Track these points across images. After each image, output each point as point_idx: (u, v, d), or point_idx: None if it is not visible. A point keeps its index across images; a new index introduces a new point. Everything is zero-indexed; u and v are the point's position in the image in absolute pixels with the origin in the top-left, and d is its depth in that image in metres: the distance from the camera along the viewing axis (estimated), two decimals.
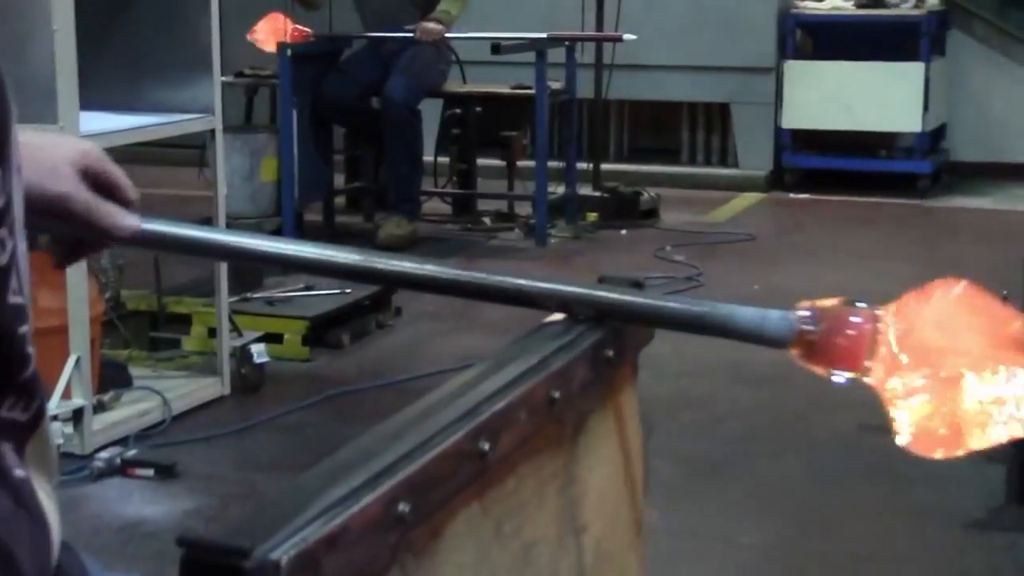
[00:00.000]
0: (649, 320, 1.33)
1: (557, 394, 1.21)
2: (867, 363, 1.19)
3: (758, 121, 8.64)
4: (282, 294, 5.30)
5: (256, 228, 6.69)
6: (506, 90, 7.39)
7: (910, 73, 8.32)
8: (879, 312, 1.20)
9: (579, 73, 7.32)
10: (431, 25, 6.84)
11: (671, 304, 1.30)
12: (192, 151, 6.11)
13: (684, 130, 9.14)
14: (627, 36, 7.14)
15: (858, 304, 1.21)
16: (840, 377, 1.21)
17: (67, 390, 3.97)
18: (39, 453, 1.13)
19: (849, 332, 1.20)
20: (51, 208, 1.24)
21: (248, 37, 7.03)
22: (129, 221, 1.29)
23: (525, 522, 1.20)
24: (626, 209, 7.48)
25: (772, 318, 1.22)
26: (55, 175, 1.24)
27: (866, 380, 1.20)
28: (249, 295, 5.28)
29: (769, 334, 1.22)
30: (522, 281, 1.33)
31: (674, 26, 8.53)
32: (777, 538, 3.65)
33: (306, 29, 7.12)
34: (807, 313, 1.22)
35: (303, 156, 6.87)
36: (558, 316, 1.33)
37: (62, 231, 1.31)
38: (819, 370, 1.22)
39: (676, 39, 8.53)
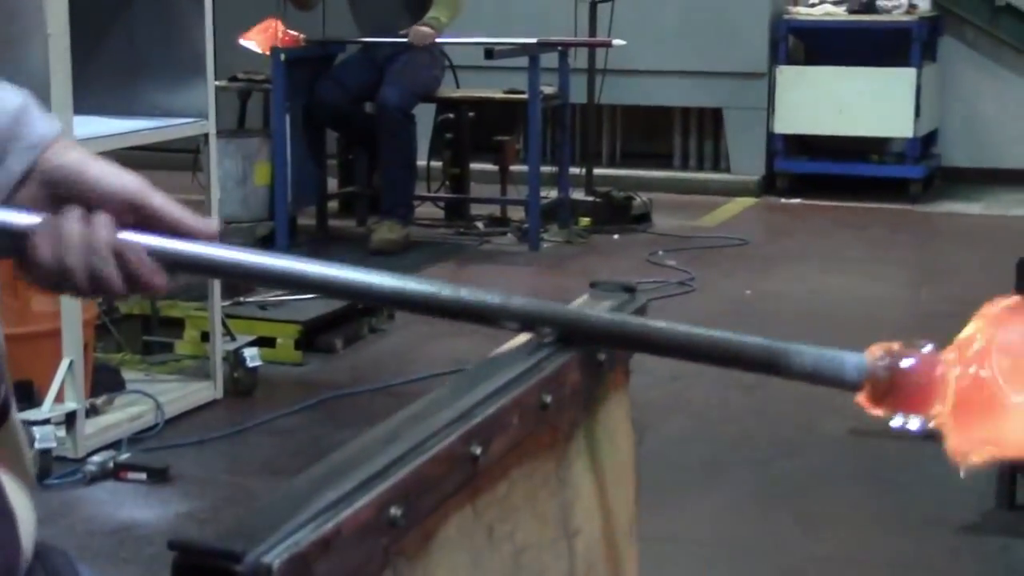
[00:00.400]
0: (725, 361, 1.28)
1: (549, 398, 1.21)
2: (936, 407, 1.17)
3: (750, 126, 8.65)
4: (275, 298, 5.29)
5: (249, 232, 6.70)
6: (499, 95, 7.39)
7: (902, 79, 8.33)
8: (947, 353, 1.18)
9: (572, 78, 7.33)
10: (424, 28, 6.85)
11: (748, 340, 1.26)
12: (186, 155, 6.11)
13: (677, 135, 9.15)
14: (616, 41, 7.15)
15: (925, 346, 1.19)
16: (904, 421, 1.19)
17: (60, 393, 3.96)
18: (8, 447, 1.13)
19: (918, 376, 1.18)
20: (130, 199, 1.19)
21: (241, 40, 7.03)
22: (210, 220, 1.24)
23: (517, 526, 1.20)
24: (618, 214, 7.48)
25: (849, 361, 1.21)
26: (129, 174, 1.21)
27: (934, 424, 1.18)
28: (242, 299, 5.27)
29: (847, 377, 1.20)
30: (610, 318, 1.28)
31: (667, 31, 8.54)
32: (769, 542, 3.65)
33: (298, 34, 7.12)
34: (879, 356, 1.20)
35: (296, 160, 6.87)
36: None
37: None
38: (884, 413, 1.21)
39: (669, 44, 8.54)
